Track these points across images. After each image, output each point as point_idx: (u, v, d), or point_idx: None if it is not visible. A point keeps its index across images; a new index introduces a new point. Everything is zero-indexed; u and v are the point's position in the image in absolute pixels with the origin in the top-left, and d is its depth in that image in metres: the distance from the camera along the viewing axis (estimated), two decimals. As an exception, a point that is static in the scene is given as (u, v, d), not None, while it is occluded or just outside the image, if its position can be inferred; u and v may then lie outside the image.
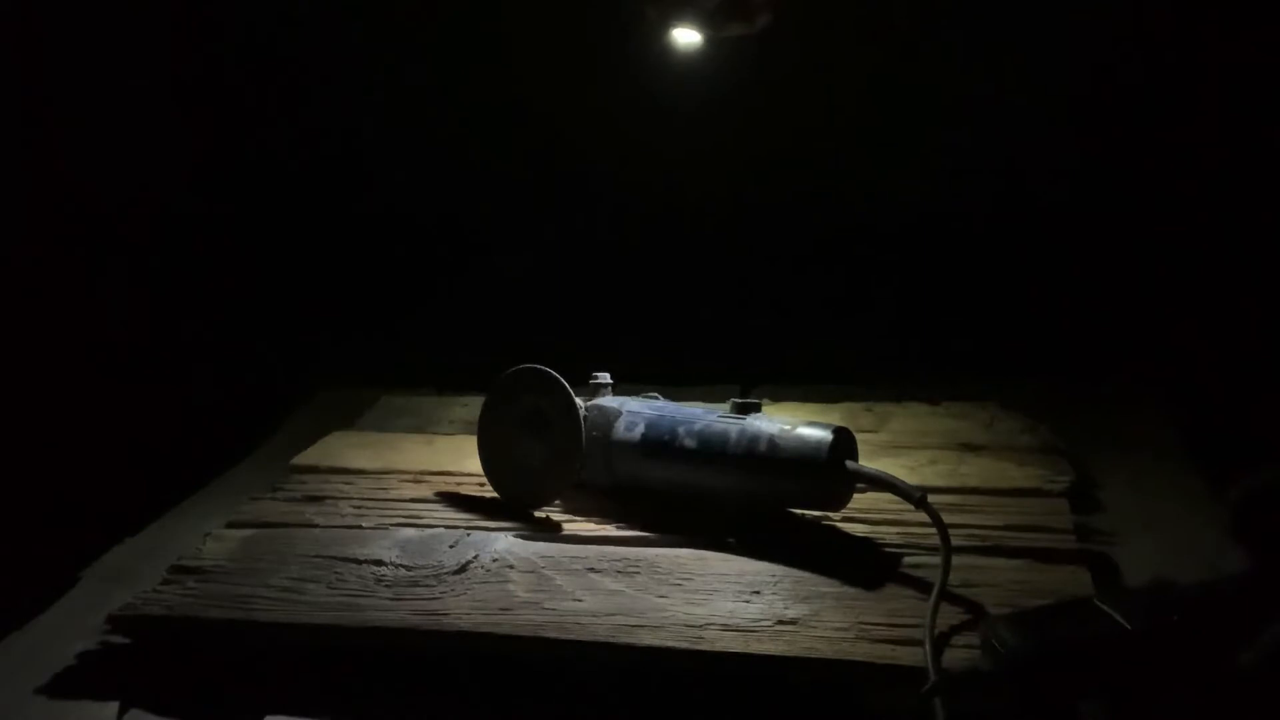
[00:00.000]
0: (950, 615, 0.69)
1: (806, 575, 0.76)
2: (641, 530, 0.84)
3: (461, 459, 0.97)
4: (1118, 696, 0.49)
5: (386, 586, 0.77)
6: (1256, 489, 0.43)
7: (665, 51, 0.85)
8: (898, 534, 0.81)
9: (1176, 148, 1.13)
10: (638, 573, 0.78)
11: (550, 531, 0.86)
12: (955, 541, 0.74)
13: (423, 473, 0.97)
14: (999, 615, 0.51)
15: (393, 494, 0.93)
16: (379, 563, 0.80)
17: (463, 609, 0.74)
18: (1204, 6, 1.05)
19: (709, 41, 0.84)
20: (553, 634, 0.71)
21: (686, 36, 0.84)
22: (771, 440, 0.81)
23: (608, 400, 0.91)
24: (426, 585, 0.77)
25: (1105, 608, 0.50)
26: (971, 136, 1.22)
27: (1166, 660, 0.48)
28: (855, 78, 1.22)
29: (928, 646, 0.64)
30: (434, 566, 0.79)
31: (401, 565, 0.80)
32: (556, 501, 0.89)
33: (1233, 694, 0.44)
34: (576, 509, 0.89)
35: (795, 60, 1.16)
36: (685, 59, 0.85)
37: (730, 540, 0.81)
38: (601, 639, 0.70)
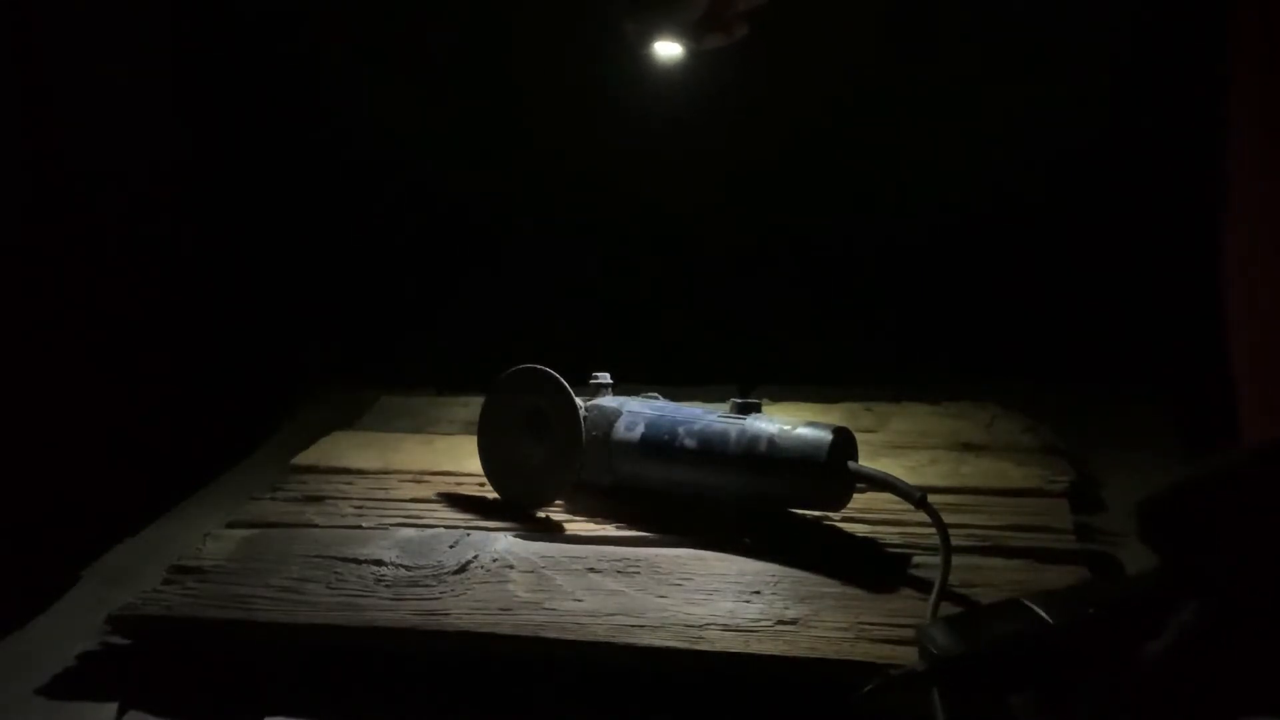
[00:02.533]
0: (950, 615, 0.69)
1: (806, 575, 0.76)
2: (641, 530, 0.84)
3: (461, 459, 0.97)
4: (1043, 689, 0.51)
5: (386, 586, 0.77)
6: (1162, 495, 0.45)
7: (653, 63, 0.86)
8: (898, 534, 0.81)
9: (1176, 148, 1.13)
10: (638, 573, 0.78)
11: (550, 531, 0.86)
12: (955, 541, 0.74)
13: (423, 473, 0.97)
14: (933, 621, 0.53)
15: (393, 494, 0.93)
16: (379, 563, 0.80)
17: (463, 609, 0.74)
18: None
19: (692, 53, 0.86)
20: (553, 634, 0.71)
21: (668, 49, 0.86)
22: (771, 440, 0.81)
23: (608, 400, 0.91)
24: (426, 585, 0.77)
25: (1031, 606, 0.53)
26: (971, 138, 1.22)
27: (1085, 653, 0.51)
28: (852, 80, 1.22)
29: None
30: (434, 566, 0.79)
31: (401, 565, 0.80)
32: (556, 501, 0.89)
33: (1142, 682, 0.47)
34: (576, 509, 0.89)
35: (790, 63, 1.16)
36: (670, 70, 0.86)
37: (746, 541, 0.80)
38: (601, 639, 0.70)
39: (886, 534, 0.81)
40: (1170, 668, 0.46)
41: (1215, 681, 0.45)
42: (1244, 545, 0.44)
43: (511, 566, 0.79)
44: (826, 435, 0.80)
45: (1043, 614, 0.52)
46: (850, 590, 0.74)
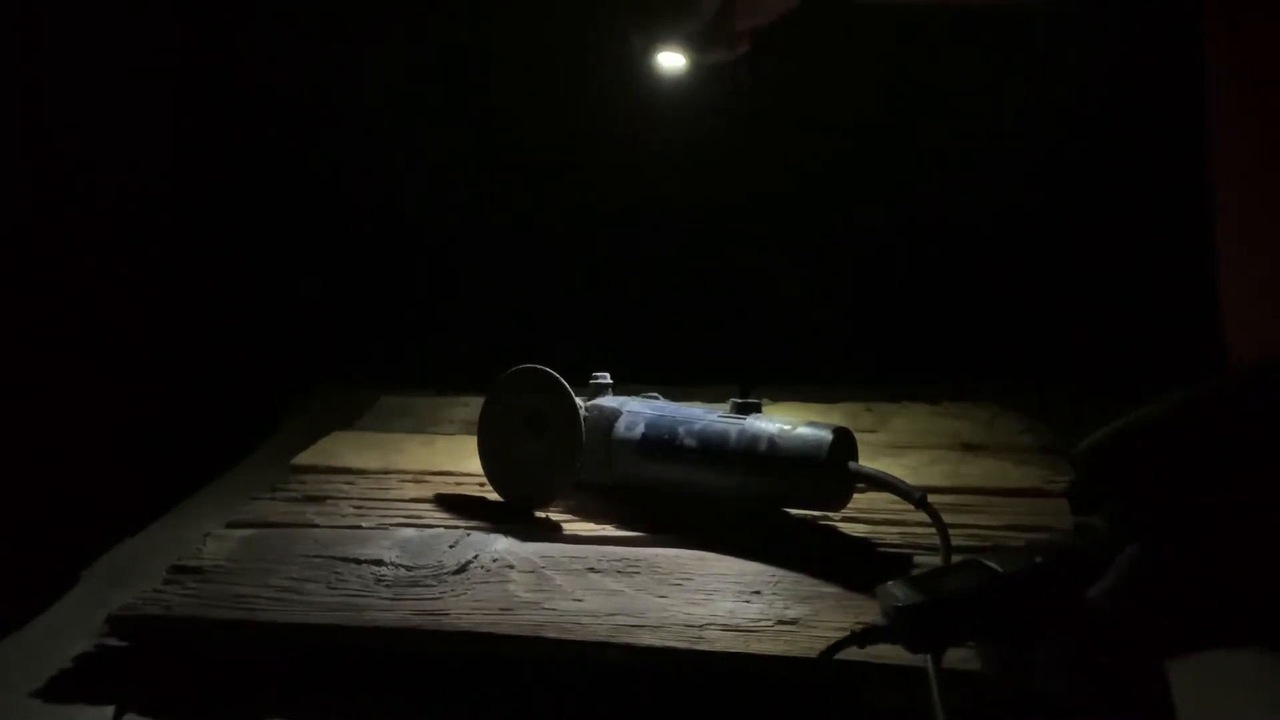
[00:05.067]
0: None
1: (806, 575, 0.76)
2: (641, 530, 0.84)
3: (461, 459, 0.97)
4: (998, 636, 0.55)
5: (386, 586, 0.77)
6: (1097, 443, 0.47)
7: (656, 73, 0.87)
8: (898, 534, 0.81)
9: (1176, 148, 1.13)
10: (638, 573, 0.77)
11: (550, 531, 0.86)
12: (955, 541, 0.74)
13: (423, 473, 0.97)
14: (891, 581, 0.58)
15: (393, 494, 0.93)
16: (379, 563, 0.80)
17: (463, 609, 0.74)
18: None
19: (695, 64, 0.86)
20: (553, 634, 0.71)
21: (671, 60, 0.86)
22: (771, 440, 0.81)
23: (608, 400, 0.91)
24: (426, 585, 0.77)
25: (985, 561, 0.56)
26: (972, 139, 1.22)
27: (1034, 599, 0.53)
28: (852, 84, 1.23)
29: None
30: (434, 566, 0.79)
31: (401, 565, 0.80)
32: (556, 501, 0.89)
33: (1089, 625, 0.49)
34: (576, 509, 0.89)
35: (794, 65, 1.16)
36: (674, 78, 0.87)
37: (745, 540, 0.80)
38: (601, 639, 0.70)
39: (886, 534, 0.81)
40: (1113, 610, 0.48)
41: (1156, 622, 0.47)
42: (1178, 488, 0.46)
43: (511, 566, 0.79)
44: (826, 435, 0.80)
45: (994, 566, 0.55)
46: (850, 590, 0.74)
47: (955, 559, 0.67)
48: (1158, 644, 0.48)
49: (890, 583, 0.57)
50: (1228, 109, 0.69)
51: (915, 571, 0.57)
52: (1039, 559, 0.54)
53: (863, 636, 0.58)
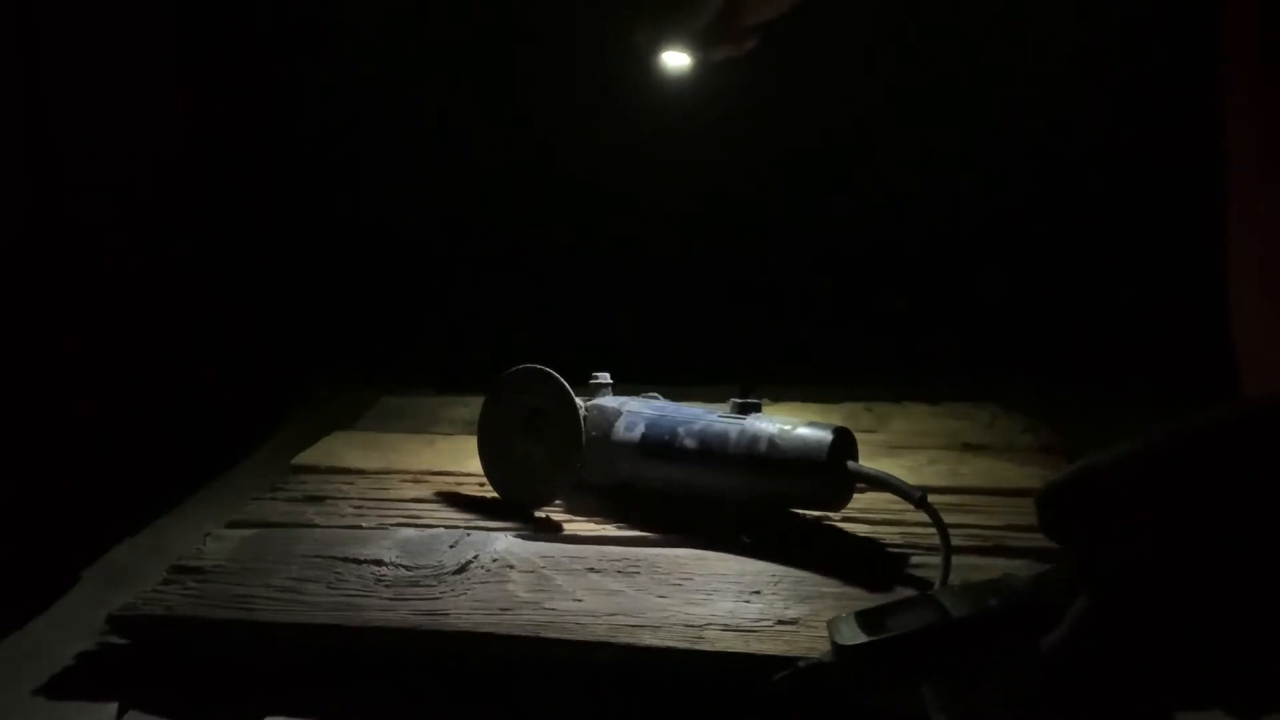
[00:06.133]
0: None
1: (806, 575, 0.76)
2: (641, 530, 0.84)
3: (461, 459, 0.97)
4: (946, 679, 0.53)
5: (386, 586, 0.77)
6: (1063, 481, 0.45)
7: (658, 69, 0.87)
8: (898, 534, 0.81)
9: (1175, 148, 1.13)
10: (638, 573, 0.78)
11: (550, 531, 0.86)
12: (955, 541, 0.74)
13: (423, 473, 0.97)
14: (843, 614, 0.56)
15: (393, 494, 0.93)
16: (379, 563, 0.80)
17: (463, 609, 0.74)
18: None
19: (700, 61, 0.86)
20: (553, 634, 0.71)
21: (676, 59, 0.86)
22: (771, 440, 0.81)
23: (608, 400, 0.91)
24: (426, 585, 0.77)
25: (939, 599, 0.54)
26: (971, 140, 1.22)
27: (985, 644, 0.52)
28: (853, 84, 1.23)
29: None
30: (434, 566, 0.79)
31: (401, 565, 0.80)
32: (556, 501, 0.89)
33: (1039, 674, 0.47)
34: (576, 509, 0.89)
35: (793, 68, 1.16)
36: (678, 76, 0.87)
37: (746, 540, 0.80)
38: (601, 639, 0.70)
39: (886, 534, 0.82)
40: (1064, 660, 0.46)
41: (1109, 678, 0.45)
42: (1138, 536, 0.44)
43: (511, 566, 0.79)
44: (826, 435, 0.80)
45: (947, 606, 0.53)
46: (850, 590, 0.74)
47: (909, 594, 0.66)
48: (1108, 703, 0.46)
49: (840, 617, 0.56)
50: (1242, 102, 0.68)
51: (862, 609, 0.56)
52: (993, 602, 0.52)
53: (808, 673, 0.57)
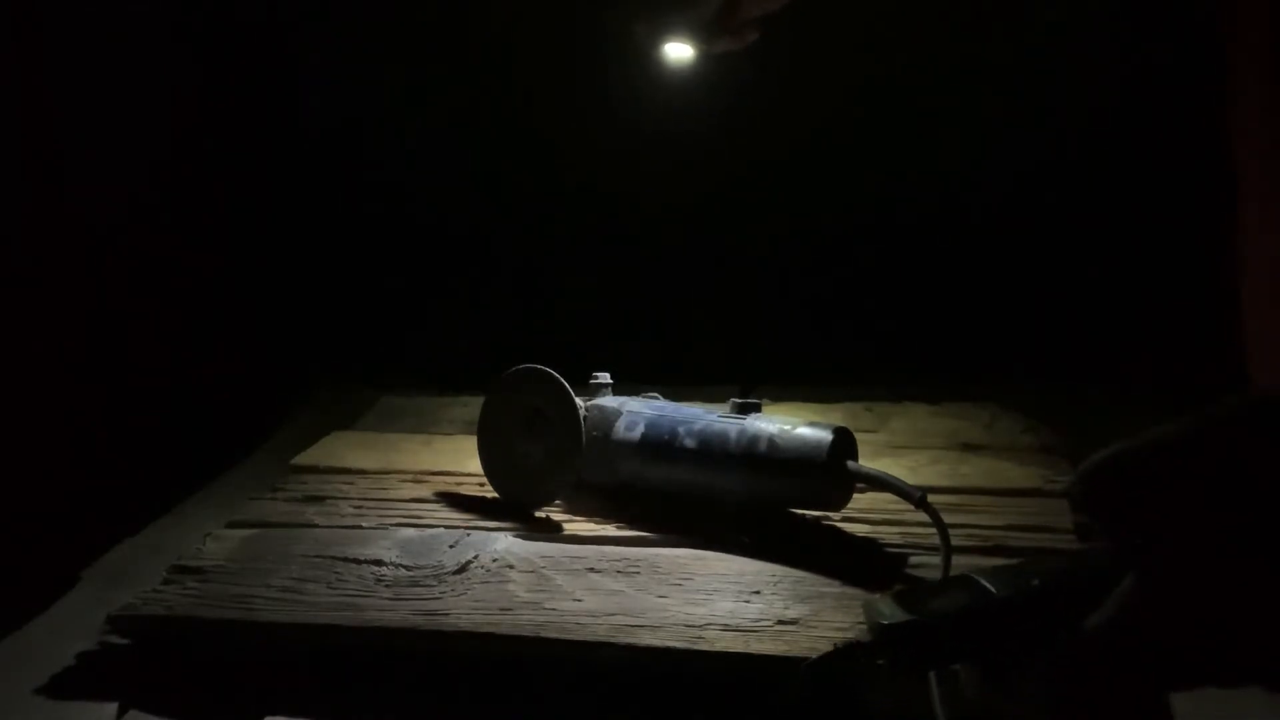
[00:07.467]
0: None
1: (806, 575, 0.76)
2: (641, 530, 0.84)
3: (461, 459, 0.97)
4: (987, 660, 0.52)
5: (386, 586, 0.77)
6: (1099, 465, 0.45)
7: (658, 64, 0.86)
8: (898, 534, 0.81)
9: (1175, 148, 1.13)
10: (638, 573, 0.78)
11: (550, 531, 0.86)
12: (955, 541, 0.74)
13: (423, 473, 0.97)
14: (879, 596, 0.56)
15: (393, 494, 0.93)
16: (379, 563, 0.80)
17: (463, 609, 0.74)
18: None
19: (701, 55, 0.86)
20: (553, 634, 0.71)
21: (678, 51, 0.86)
22: (771, 440, 0.81)
23: (608, 400, 0.91)
24: (426, 585, 0.77)
25: (979, 579, 0.54)
26: (971, 139, 1.22)
27: (1027, 624, 0.51)
28: (853, 83, 1.23)
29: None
30: (434, 566, 0.79)
31: (401, 565, 0.80)
32: (556, 501, 0.89)
33: (1082, 653, 0.47)
34: (576, 509, 0.89)
35: (793, 66, 1.16)
36: (678, 71, 0.86)
37: (746, 540, 0.80)
38: (601, 639, 0.70)
39: (886, 534, 0.81)
40: (1109, 639, 0.46)
41: (1151, 658, 0.46)
42: (1180, 515, 0.44)
43: (511, 566, 0.79)
44: (826, 435, 0.80)
45: (989, 586, 0.53)
46: (850, 590, 0.74)
47: (953, 573, 0.65)
48: (1151, 681, 0.46)
49: (878, 596, 0.56)
50: (1253, 103, 0.68)
51: (898, 588, 0.55)
52: (1035, 581, 0.52)
53: (846, 653, 0.57)
